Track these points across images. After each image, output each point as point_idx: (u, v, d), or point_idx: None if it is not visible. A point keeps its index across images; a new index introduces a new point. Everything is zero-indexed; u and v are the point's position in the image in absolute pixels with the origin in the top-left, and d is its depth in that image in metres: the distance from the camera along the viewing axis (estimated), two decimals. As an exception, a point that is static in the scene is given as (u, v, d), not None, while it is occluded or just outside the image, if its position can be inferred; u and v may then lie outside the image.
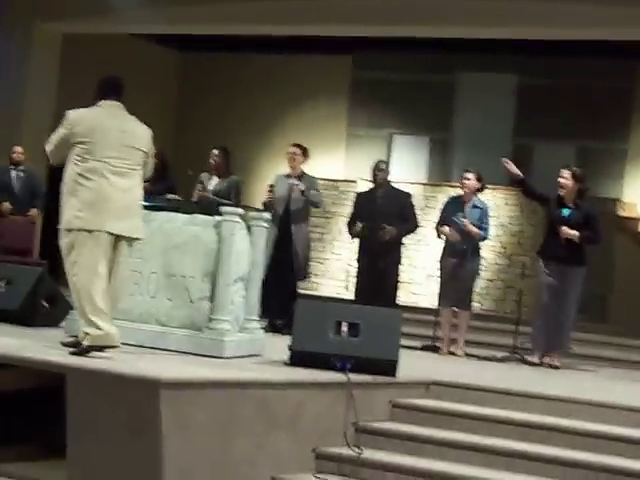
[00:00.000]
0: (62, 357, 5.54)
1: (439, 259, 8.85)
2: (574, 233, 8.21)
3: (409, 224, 8.88)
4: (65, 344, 5.88)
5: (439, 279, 8.84)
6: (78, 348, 5.64)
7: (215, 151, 9.06)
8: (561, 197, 8.38)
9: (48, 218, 10.69)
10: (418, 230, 9.26)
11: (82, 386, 5.28)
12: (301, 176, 9.06)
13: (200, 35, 12.77)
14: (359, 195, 9.35)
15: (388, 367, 6.28)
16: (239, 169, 9.71)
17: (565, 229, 8.23)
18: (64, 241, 5.73)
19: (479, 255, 8.85)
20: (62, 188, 5.75)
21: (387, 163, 9.19)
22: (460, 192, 8.92)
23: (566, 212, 8.35)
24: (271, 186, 9.08)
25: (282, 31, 11.87)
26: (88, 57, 13.06)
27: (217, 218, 6.45)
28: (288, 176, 9.07)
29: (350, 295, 11.39)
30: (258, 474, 5.60)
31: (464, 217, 8.59)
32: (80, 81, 12.78)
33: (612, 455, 5.79)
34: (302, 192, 8.88)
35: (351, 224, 9.04)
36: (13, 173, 10.28)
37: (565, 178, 8.37)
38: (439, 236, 8.82)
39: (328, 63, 14.04)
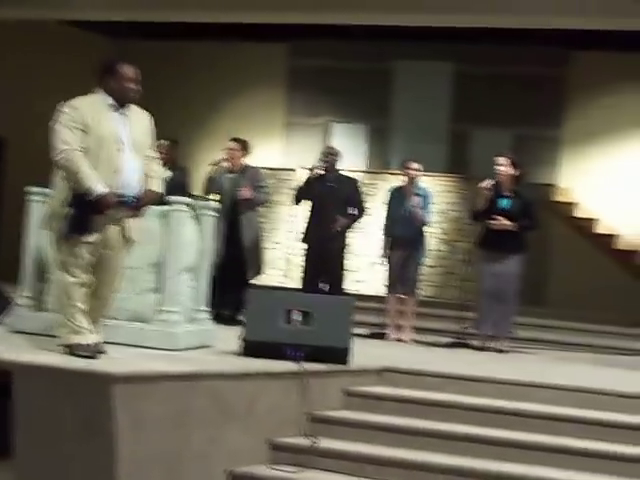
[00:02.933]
0: (8, 353, 5.38)
1: (388, 250, 8.84)
2: (508, 224, 8.28)
3: (359, 212, 8.85)
4: None
5: (387, 269, 8.83)
6: None
7: (164, 142, 8.86)
8: (498, 186, 8.44)
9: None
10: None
11: (30, 383, 5.15)
12: (244, 170, 8.92)
13: (133, 22, 12.53)
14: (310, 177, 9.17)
15: (341, 355, 6.26)
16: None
17: (498, 222, 8.28)
18: None
19: (425, 243, 8.89)
20: None
21: (337, 150, 9.10)
22: (400, 182, 8.96)
23: (504, 203, 8.41)
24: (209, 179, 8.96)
25: (218, 18, 11.70)
26: (12, 45, 12.69)
27: (164, 208, 6.33)
28: (230, 172, 8.89)
29: (290, 283, 11.39)
30: (212, 467, 5.55)
31: (412, 204, 8.64)
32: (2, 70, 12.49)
33: (565, 436, 5.86)
34: (248, 199, 8.78)
35: (298, 197, 8.95)
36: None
37: (502, 165, 8.44)
38: (387, 234, 8.84)
39: (265, 51, 13.90)
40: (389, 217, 8.87)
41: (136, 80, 5.67)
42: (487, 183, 8.40)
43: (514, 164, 8.45)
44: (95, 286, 5.62)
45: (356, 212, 8.84)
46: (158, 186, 5.71)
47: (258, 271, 8.99)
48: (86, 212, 5.40)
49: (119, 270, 5.73)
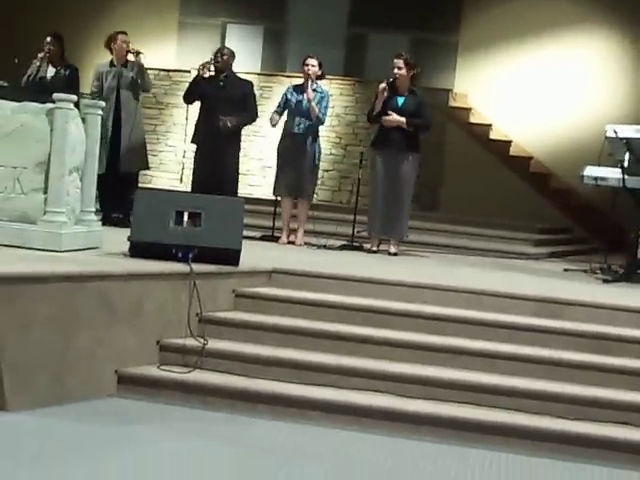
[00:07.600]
0: None
1: (277, 146, 8.83)
2: (399, 119, 8.32)
3: (248, 113, 8.69)
4: None
5: (276, 166, 8.83)
6: None
7: (48, 38, 8.84)
8: (395, 86, 8.47)
9: None
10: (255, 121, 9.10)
11: None
12: (126, 63, 8.83)
13: None
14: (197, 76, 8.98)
15: (231, 256, 6.24)
16: (69, 56, 9.30)
17: (389, 117, 8.33)
18: None
19: (318, 142, 8.84)
20: None
21: (230, 50, 8.91)
22: (299, 82, 8.88)
23: (400, 100, 8.47)
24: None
25: None
26: None
27: (49, 105, 6.14)
28: (112, 65, 8.82)
29: (185, 187, 11.26)
30: (101, 369, 5.50)
31: (308, 98, 8.60)
32: None
33: (454, 336, 5.96)
34: (133, 78, 8.67)
35: (186, 96, 8.81)
36: None
37: (399, 67, 8.46)
38: (273, 125, 8.79)
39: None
40: (278, 112, 8.81)
41: None
42: (384, 85, 8.42)
43: (409, 64, 8.48)
44: None
45: (245, 115, 8.69)
46: None
47: (143, 165, 8.94)
48: None
49: None
